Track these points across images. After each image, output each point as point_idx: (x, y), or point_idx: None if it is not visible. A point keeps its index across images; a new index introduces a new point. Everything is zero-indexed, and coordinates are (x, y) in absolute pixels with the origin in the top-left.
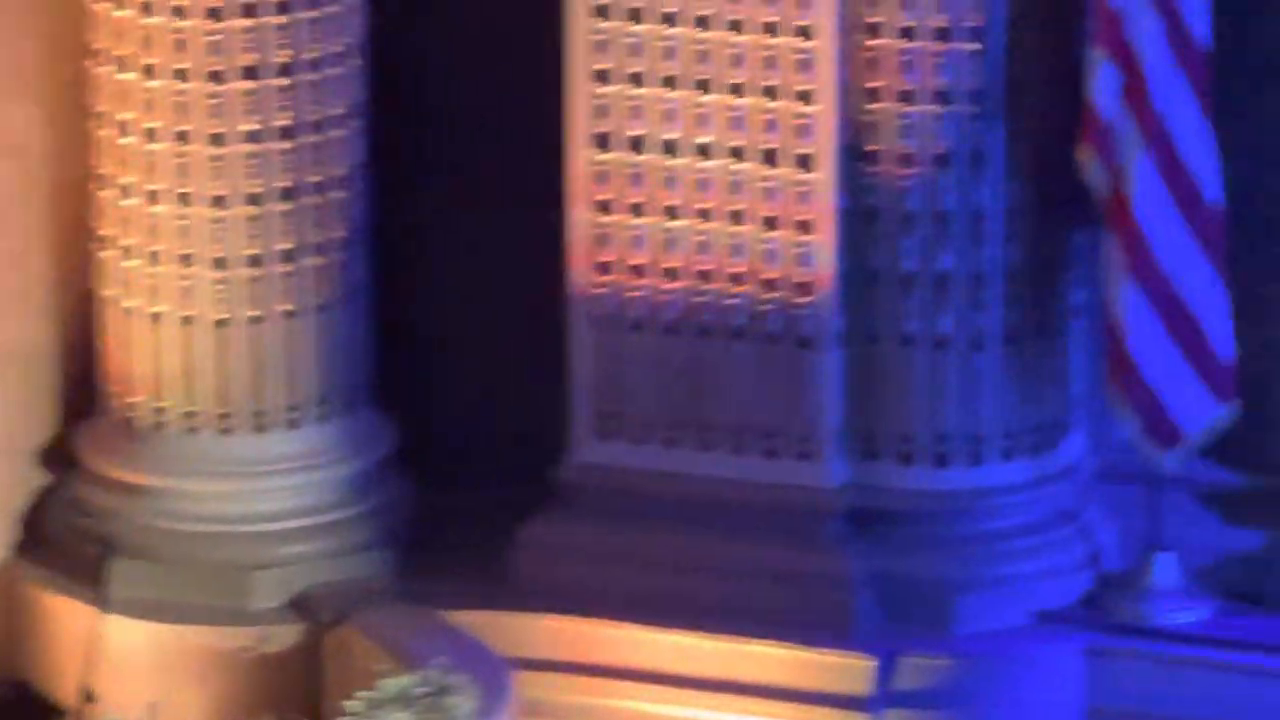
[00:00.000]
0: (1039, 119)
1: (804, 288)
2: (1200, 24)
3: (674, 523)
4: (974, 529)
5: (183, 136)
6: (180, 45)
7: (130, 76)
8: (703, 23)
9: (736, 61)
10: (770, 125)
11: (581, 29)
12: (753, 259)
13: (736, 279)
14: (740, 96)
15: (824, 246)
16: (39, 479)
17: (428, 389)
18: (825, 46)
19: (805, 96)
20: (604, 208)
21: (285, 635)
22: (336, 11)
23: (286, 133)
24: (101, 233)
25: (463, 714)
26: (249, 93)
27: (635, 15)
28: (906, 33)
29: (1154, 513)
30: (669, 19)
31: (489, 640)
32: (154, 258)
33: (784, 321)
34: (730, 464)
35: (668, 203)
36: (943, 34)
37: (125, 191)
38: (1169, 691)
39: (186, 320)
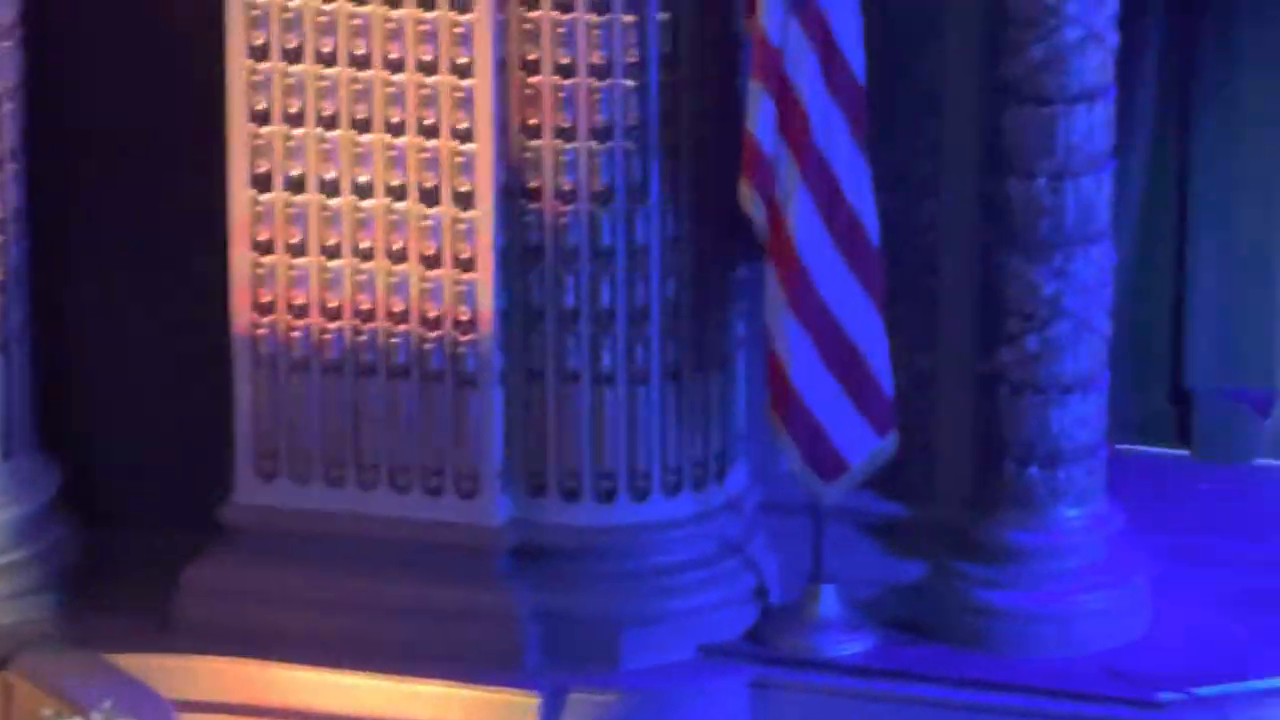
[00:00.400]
0: (699, 153)
1: (466, 325)
2: (857, 59)
3: (339, 562)
4: (640, 564)
5: None
6: None
7: None
8: (360, 62)
9: (395, 100)
10: (429, 164)
11: (239, 69)
12: (414, 297)
13: (398, 317)
14: (399, 135)
15: (485, 284)
16: None
17: (92, 430)
18: (483, 84)
19: (464, 135)
20: (264, 248)
21: None
22: None
23: None
24: None
25: None
26: None
27: (293, 55)
28: (564, 69)
29: (817, 545)
30: (327, 59)
31: (154, 683)
32: None
33: (446, 359)
34: (394, 502)
35: (328, 242)
36: (601, 70)
37: None
38: None
39: None
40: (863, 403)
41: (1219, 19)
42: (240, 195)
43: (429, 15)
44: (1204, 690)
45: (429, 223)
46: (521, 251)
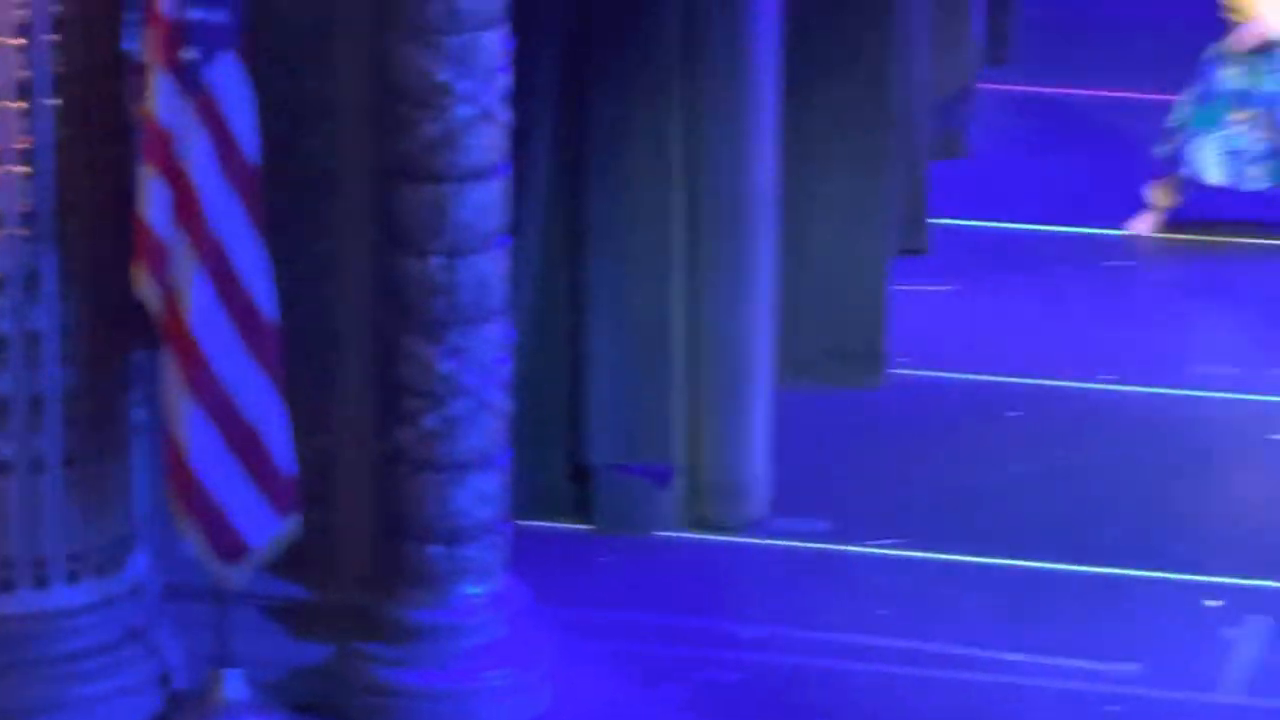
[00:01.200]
0: (96, 239)
1: None
2: (250, 139)
3: None
4: (41, 652)
5: None
6: None
7: None
8: None
9: None
10: None
11: None
12: None
13: None
14: None
15: None
16: None
17: None
18: None
19: None
20: None
21: None
22: None
23: None
24: None
25: None
26: None
27: None
28: None
29: (222, 629)
30: None
31: None
32: None
33: None
34: None
35: None
36: None
37: None
38: None
39: None
40: (263, 484)
41: (611, 100)
42: None
43: None
44: None
45: None
46: None
